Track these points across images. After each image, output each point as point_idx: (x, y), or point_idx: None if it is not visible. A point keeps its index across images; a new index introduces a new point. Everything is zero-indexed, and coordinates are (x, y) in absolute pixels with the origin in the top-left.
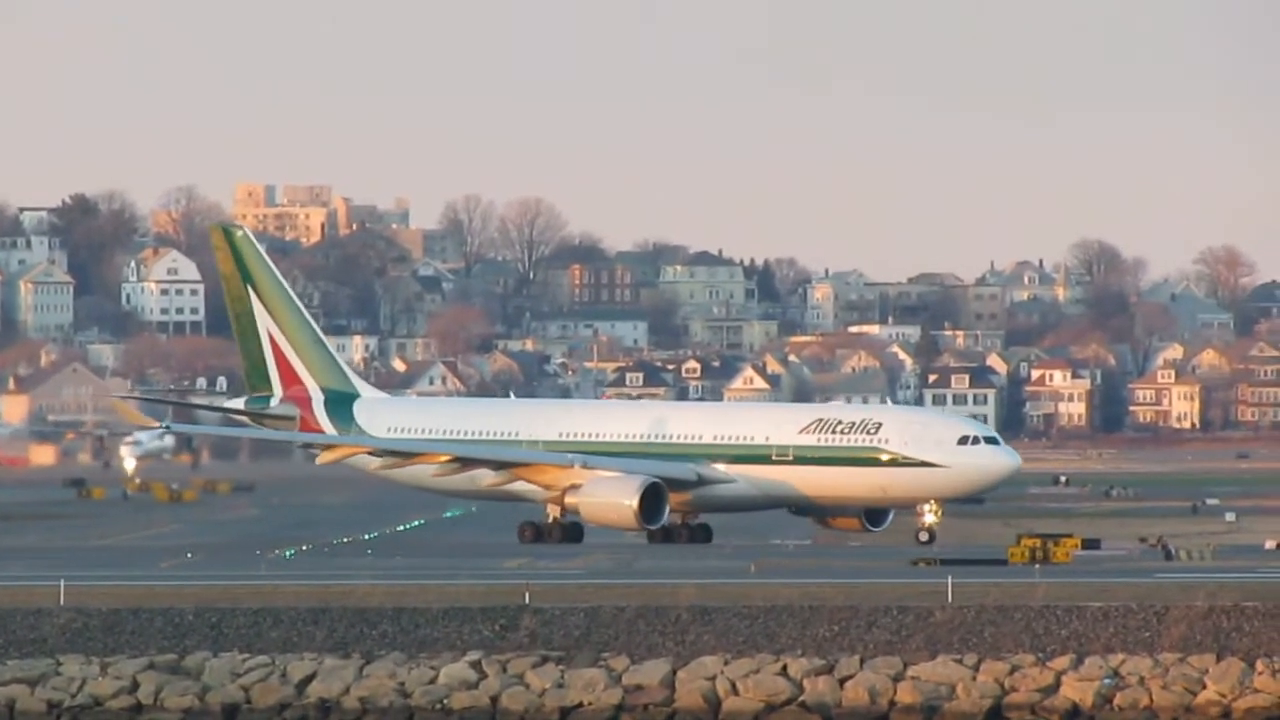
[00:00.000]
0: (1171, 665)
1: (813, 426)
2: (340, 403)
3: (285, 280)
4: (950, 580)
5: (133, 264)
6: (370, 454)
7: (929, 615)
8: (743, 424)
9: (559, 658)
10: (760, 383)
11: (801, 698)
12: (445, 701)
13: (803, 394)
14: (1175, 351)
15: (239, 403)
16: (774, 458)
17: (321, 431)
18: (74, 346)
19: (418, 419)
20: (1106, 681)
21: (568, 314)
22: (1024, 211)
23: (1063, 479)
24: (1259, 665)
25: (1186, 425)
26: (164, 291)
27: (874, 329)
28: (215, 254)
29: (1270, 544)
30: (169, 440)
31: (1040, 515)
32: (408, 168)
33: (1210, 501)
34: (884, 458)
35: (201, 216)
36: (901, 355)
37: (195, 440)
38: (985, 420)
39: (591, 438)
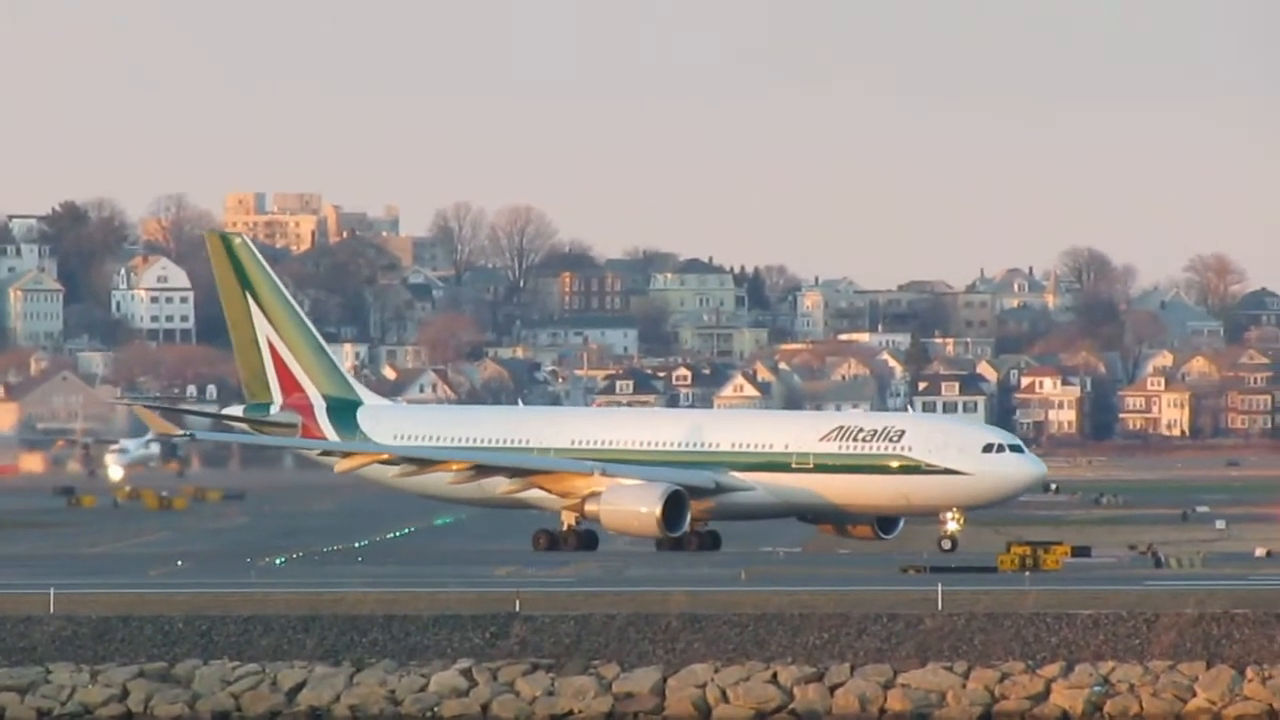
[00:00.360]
0: (1161, 673)
1: (833, 434)
2: (343, 410)
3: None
4: (940, 588)
5: (122, 272)
6: (388, 462)
7: (919, 623)
8: (762, 432)
9: (549, 665)
10: (750, 390)
11: (792, 705)
12: (436, 709)
13: (793, 402)
14: (1165, 359)
15: (237, 410)
16: (794, 465)
17: (323, 439)
18: (64, 354)
19: (424, 426)
20: (1096, 689)
21: (558, 321)
22: (1014, 219)
23: (1053, 486)
24: (1249, 673)
25: (1176, 433)
26: (154, 299)
27: (864, 337)
28: (212, 261)
29: (1260, 551)
30: (155, 448)
31: (1030, 523)
32: (398, 175)
33: (1200, 509)
34: (907, 465)
35: (191, 224)
36: (891, 363)
37: (181, 449)
38: None
39: (606, 445)
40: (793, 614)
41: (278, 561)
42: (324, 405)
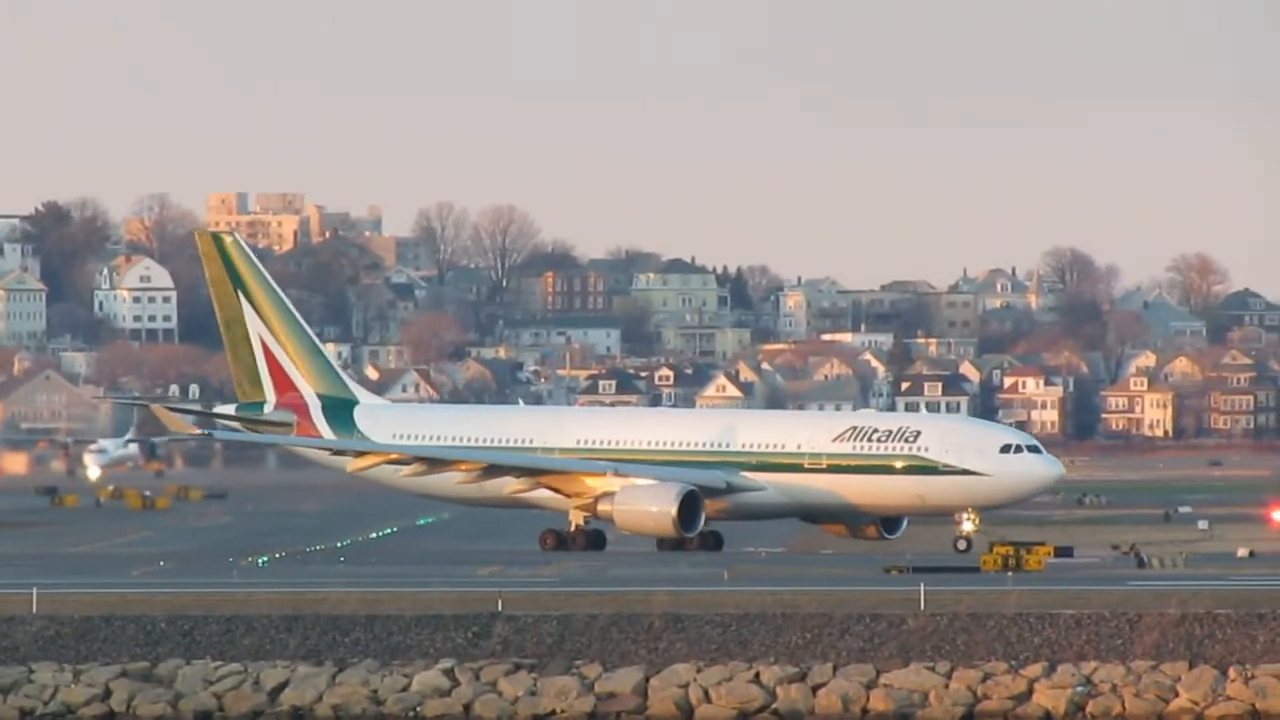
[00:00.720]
0: (1144, 673)
1: (847, 434)
2: (339, 409)
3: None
4: (923, 588)
5: (105, 271)
6: (399, 461)
7: (902, 623)
8: (774, 432)
9: (532, 665)
10: (733, 390)
11: (774, 705)
12: (418, 709)
13: (775, 401)
14: (1148, 359)
15: (229, 409)
16: (806, 466)
17: (319, 438)
18: (46, 354)
19: (424, 426)
20: (1079, 689)
21: (540, 321)
22: (996, 219)
23: None
24: (1231, 673)
25: (1159, 433)
26: (136, 299)
27: (846, 337)
28: (204, 260)
29: (1242, 552)
30: (133, 448)
31: (1013, 523)
32: (381, 175)
33: (1183, 509)
34: (922, 465)
35: (174, 224)
36: (874, 363)
37: (161, 449)
38: None
39: (612, 445)
40: (775, 614)
41: (260, 561)
42: (319, 404)
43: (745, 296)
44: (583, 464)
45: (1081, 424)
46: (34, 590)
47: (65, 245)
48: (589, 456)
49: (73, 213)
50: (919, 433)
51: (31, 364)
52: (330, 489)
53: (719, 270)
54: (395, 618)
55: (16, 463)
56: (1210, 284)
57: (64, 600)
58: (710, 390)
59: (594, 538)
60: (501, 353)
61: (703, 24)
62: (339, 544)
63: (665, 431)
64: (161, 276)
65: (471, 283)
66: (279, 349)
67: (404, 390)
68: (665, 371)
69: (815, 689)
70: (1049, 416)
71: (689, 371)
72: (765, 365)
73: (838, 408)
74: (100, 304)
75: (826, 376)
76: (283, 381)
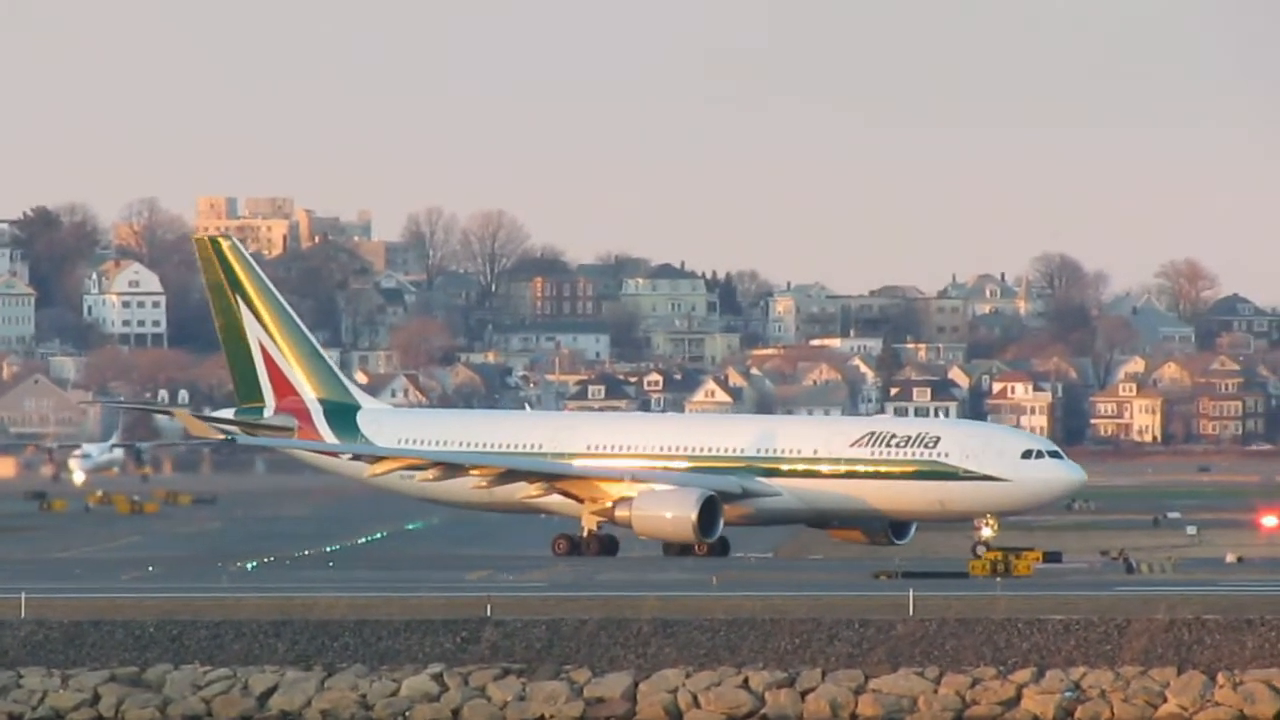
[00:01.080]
0: (1133, 678)
1: (864, 440)
2: (341, 413)
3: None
4: (912, 593)
5: (94, 276)
6: (418, 466)
7: (890, 628)
8: (790, 437)
9: (521, 670)
10: (722, 395)
11: (763, 710)
12: (407, 714)
13: (764, 407)
14: (1137, 365)
15: (227, 413)
16: (824, 471)
17: (322, 442)
18: (35, 358)
19: (431, 430)
20: (1068, 694)
21: (530, 326)
22: (985, 224)
23: None
24: (1220, 678)
25: (1148, 438)
26: (125, 304)
27: (835, 342)
28: (200, 265)
29: (1231, 557)
30: (118, 453)
31: (1002, 528)
32: (370, 180)
33: (1171, 515)
34: (942, 471)
35: (163, 229)
36: (863, 368)
37: (146, 453)
38: None
39: (623, 450)
40: (764, 619)
41: (249, 566)
42: (320, 409)
43: (734, 302)
44: (601, 469)
45: (1070, 429)
46: (22, 595)
47: (54, 250)
48: (599, 461)
49: (62, 217)
50: (939, 438)
51: (20, 368)
52: (320, 494)
53: (708, 275)
54: (384, 622)
55: (5, 467)
56: (1199, 290)
57: (53, 605)
58: (699, 395)
59: (607, 543)
60: (491, 358)
61: (693, 29)
62: (328, 549)
63: (679, 437)
64: (150, 281)
65: (461, 288)
66: (278, 353)
67: (393, 395)
68: (654, 377)
69: (804, 694)
70: (1038, 422)
71: (678, 377)
72: (754, 370)
73: (826, 412)
74: (89, 308)
75: (815, 382)
76: (282, 386)
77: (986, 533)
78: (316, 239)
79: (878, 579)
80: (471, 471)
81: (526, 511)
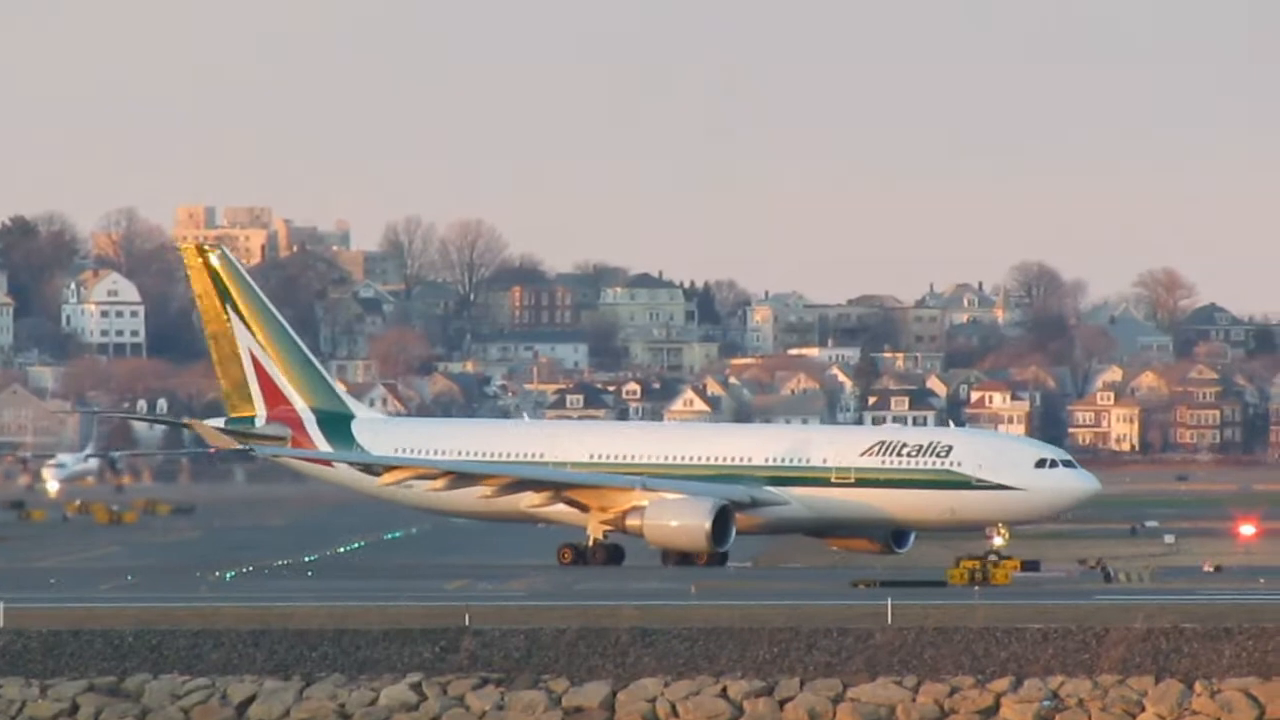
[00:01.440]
0: (1110, 687)
1: (875, 449)
2: (334, 422)
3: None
4: (890, 602)
5: (73, 286)
6: (423, 475)
7: (869, 637)
8: (800, 447)
9: (499, 679)
10: (700, 404)
11: (741, 719)
12: None
13: (742, 416)
14: (1114, 374)
15: (218, 422)
16: (834, 480)
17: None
18: (13, 368)
19: (429, 440)
20: (1045, 703)
21: (508, 336)
22: (963, 234)
23: None
24: (1197, 687)
25: (1126, 447)
26: (104, 313)
27: (814, 351)
28: (190, 275)
29: (1208, 566)
30: (93, 463)
31: (979, 537)
32: (348, 189)
33: (1149, 523)
34: (954, 480)
35: (142, 239)
36: (841, 377)
37: (120, 463)
38: None
39: (626, 459)
40: (742, 628)
41: (228, 576)
42: (313, 417)
43: (713, 311)
44: (611, 478)
45: (1048, 438)
46: (0, 604)
47: (32, 259)
48: (603, 470)
49: (40, 227)
50: (950, 447)
51: None
52: (298, 503)
53: (686, 285)
54: (363, 632)
55: None
56: (1177, 299)
57: (31, 615)
58: (678, 404)
59: (612, 552)
60: (469, 367)
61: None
62: (306, 558)
63: (685, 446)
64: (129, 291)
65: (439, 297)
66: (269, 362)
67: (371, 405)
68: (633, 386)
69: (782, 703)
70: (1016, 431)
71: (656, 386)
72: (733, 380)
73: (804, 422)
74: (67, 318)
75: (794, 391)
76: (274, 395)
77: (998, 541)
78: (295, 248)
79: (856, 588)
80: (479, 481)
81: (527, 521)
